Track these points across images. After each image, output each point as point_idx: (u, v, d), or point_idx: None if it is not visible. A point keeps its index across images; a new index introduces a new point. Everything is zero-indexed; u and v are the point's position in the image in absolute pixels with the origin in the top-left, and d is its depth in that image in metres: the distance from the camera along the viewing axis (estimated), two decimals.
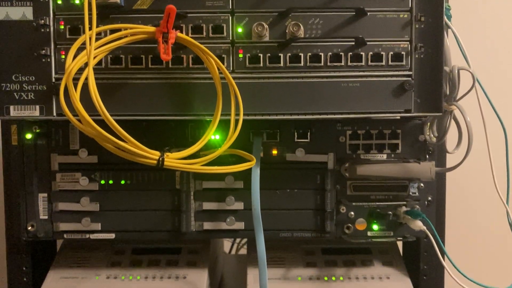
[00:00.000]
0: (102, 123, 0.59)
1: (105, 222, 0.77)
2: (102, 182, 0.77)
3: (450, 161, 0.79)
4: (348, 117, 0.67)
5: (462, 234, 1.25)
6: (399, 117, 0.76)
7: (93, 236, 0.77)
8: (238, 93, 0.64)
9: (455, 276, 0.68)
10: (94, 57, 0.60)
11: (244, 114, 0.66)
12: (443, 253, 0.73)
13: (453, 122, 0.72)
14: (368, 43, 0.66)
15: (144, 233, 0.77)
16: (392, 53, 0.67)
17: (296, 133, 0.76)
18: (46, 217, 0.77)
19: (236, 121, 0.65)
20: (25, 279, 0.81)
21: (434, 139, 0.75)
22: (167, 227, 0.77)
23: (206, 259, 0.85)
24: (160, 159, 0.60)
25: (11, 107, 0.67)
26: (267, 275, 0.72)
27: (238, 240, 1.32)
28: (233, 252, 1.33)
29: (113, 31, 0.62)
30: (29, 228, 0.77)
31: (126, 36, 0.62)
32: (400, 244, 0.89)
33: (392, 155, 0.76)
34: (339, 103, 0.67)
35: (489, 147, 0.71)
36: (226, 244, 1.29)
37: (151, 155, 0.59)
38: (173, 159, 0.61)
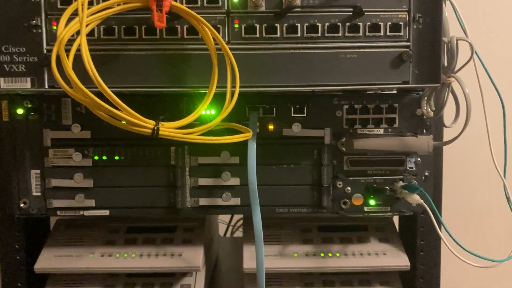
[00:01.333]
0: (95, 94, 0.58)
1: (99, 199, 0.76)
2: (96, 158, 0.75)
3: (447, 135, 0.78)
4: (345, 88, 0.66)
5: (459, 209, 1.25)
6: (395, 91, 0.76)
7: (87, 213, 0.76)
8: (235, 64, 0.63)
9: (453, 249, 0.68)
10: (87, 25, 0.59)
11: (240, 86, 0.65)
12: (440, 225, 0.72)
13: (450, 95, 0.72)
14: (366, 13, 0.65)
15: (139, 210, 0.76)
16: (390, 23, 0.66)
17: (292, 108, 0.75)
18: (39, 193, 0.75)
19: (232, 92, 0.63)
20: (18, 257, 0.80)
21: (432, 113, 0.75)
22: (163, 203, 0.76)
23: (201, 237, 0.84)
24: (155, 128, 0.58)
25: (2, 79, 0.65)
26: (263, 249, 0.71)
27: (233, 223, 1.31)
28: (228, 235, 1.33)
29: None
30: (22, 205, 0.75)
31: (119, 4, 0.61)
32: (396, 221, 0.89)
33: (389, 130, 0.76)
34: (336, 74, 0.66)
35: (487, 120, 0.70)
36: (221, 227, 1.28)
37: (146, 124, 0.58)
38: (169, 128, 0.60)
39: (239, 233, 1.32)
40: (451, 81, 0.69)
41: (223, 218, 1.29)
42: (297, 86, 0.66)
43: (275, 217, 0.87)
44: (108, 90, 0.56)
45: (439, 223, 0.72)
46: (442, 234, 0.72)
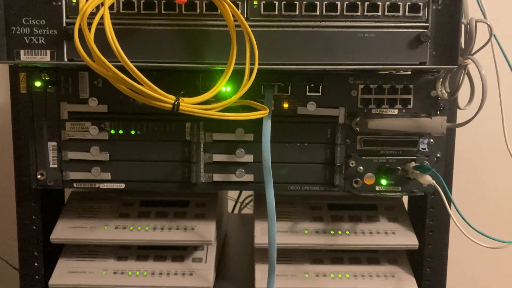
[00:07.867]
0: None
1: (115, 172, 0.77)
2: (112, 131, 0.76)
3: (460, 118, 0.79)
4: (363, 68, 0.66)
5: (469, 192, 1.26)
6: (410, 72, 0.76)
7: (102, 186, 0.78)
8: (254, 41, 0.63)
9: (463, 229, 0.69)
10: None
11: (258, 64, 0.65)
12: (451, 205, 0.73)
13: (466, 77, 0.72)
14: None
15: (154, 183, 0.78)
16: (409, 3, 0.65)
17: (307, 87, 0.76)
18: (55, 166, 0.77)
19: (251, 70, 0.64)
20: (34, 227, 0.81)
21: (446, 95, 0.75)
22: (177, 178, 0.77)
23: (213, 212, 0.86)
24: (176, 103, 0.59)
25: (22, 52, 0.66)
26: (276, 226, 0.73)
27: (241, 200, 1.33)
28: (236, 212, 1.34)
29: None
30: (39, 176, 0.77)
31: None
32: (405, 201, 0.90)
33: (403, 110, 0.76)
34: (354, 54, 0.66)
35: (502, 103, 0.71)
36: (229, 204, 1.30)
37: (167, 99, 0.59)
38: (188, 104, 0.60)
39: (246, 210, 1.34)
40: (467, 63, 0.69)
41: (231, 194, 1.31)
42: (315, 65, 0.66)
43: (287, 194, 0.88)
44: (130, 64, 0.56)
45: (450, 203, 0.72)
46: (452, 214, 0.73)
